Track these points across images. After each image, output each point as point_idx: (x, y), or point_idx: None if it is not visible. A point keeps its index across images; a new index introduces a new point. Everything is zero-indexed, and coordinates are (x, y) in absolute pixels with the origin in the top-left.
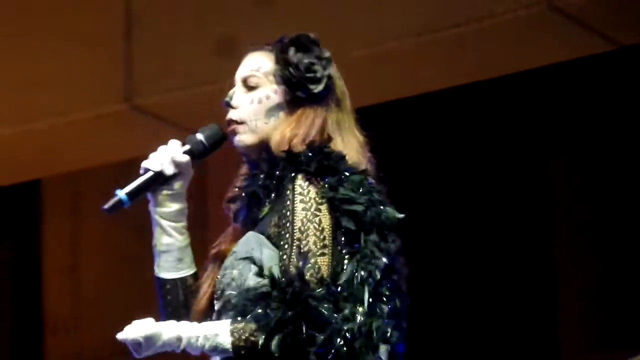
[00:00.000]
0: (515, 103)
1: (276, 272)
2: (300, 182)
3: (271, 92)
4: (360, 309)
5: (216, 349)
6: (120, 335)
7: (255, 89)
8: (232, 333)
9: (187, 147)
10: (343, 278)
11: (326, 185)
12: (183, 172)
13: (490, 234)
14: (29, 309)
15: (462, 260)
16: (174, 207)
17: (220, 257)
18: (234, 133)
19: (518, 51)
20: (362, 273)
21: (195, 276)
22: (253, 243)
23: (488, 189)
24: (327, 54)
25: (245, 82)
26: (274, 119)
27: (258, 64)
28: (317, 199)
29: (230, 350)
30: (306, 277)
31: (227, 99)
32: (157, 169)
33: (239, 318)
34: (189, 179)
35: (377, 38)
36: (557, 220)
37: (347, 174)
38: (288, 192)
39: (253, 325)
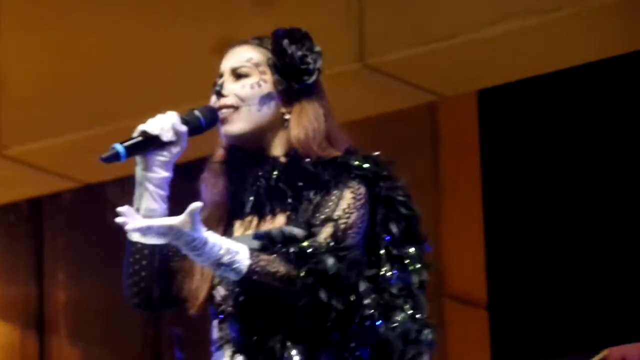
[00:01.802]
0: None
1: (299, 232)
2: (353, 183)
3: (262, 81)
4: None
5: (231, 266)
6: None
7: (246, 77)
8: (251, 256)
9: (185, 119)
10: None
11: (382, 188)
12: (179, 142)
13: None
14: None
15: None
16: (163, 174)
17: None
18: (225, 121)
19: None
20: (413, 278)
21: (170, 247)
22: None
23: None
24: (317, 48)
25: (235, 71)
26: (266, 107)
27: (247, 55)
28: (367, 196)
29: (244, 272)
30: (333, 245)
31: (217, 88)
32: (157, 132)
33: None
34: (182, 151)
35: None
36: None
37: (399, 181)
38: (337, 190)
39: (274, 257)
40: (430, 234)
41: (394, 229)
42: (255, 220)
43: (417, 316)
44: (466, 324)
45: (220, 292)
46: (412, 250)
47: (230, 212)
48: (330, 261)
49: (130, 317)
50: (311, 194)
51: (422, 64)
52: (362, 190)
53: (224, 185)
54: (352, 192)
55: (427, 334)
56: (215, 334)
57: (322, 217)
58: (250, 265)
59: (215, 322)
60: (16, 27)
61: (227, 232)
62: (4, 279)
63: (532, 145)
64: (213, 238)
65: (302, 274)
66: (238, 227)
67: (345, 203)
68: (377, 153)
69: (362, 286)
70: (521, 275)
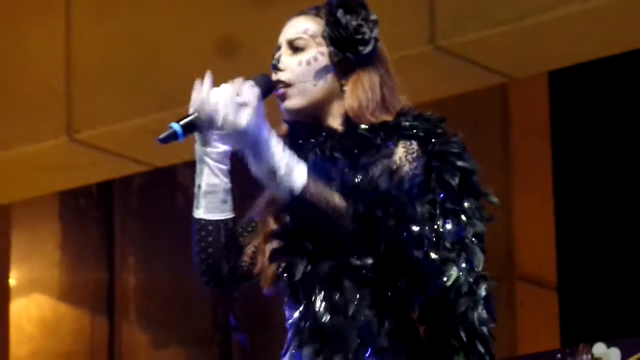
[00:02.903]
0: None
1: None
2: (404, 141)
3: (319, 54)
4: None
5: (286, 177)
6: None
7: (302, 51)
8: (309, 178)
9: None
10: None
11: (434, 144)
12: None
13: None
14: None
15: None
16: (222, 148)
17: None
18: (283, 97)
19: None
20: (469, 230)
21: (234, 221)
22: None
23: None
24: (373, 17)
25: (291, 44)
26: (322, 81)
27: (304, 27)
28: (419, 151)
29: (297, 190)
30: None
31: (274, 61)
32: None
33: None
34: None
35: None
36: None
37: (452, 137)
38: (388, 150)
39: (332, 191)
40: (501, 215)
41: (450, 181)
42: None
43: (472, 268)
44: (536, 305)
45: None
46: (467, 204)
47: None
48: (384, 182)
49: (200, 301)
50: (365, 159)
51: (492, 45)
52: (414, 145)
53: None
54: (404, 147)
55: (482, 286)
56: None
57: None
58: (305, 185)
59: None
60: (86, 15)
61: None
62: (74, 264)
63: (603, 127)
64: (278, 142)
65: (356, 198)
66: None
67: (397, 157)
68: (429, 113)
69: (418, 209)
70: (591, 257)
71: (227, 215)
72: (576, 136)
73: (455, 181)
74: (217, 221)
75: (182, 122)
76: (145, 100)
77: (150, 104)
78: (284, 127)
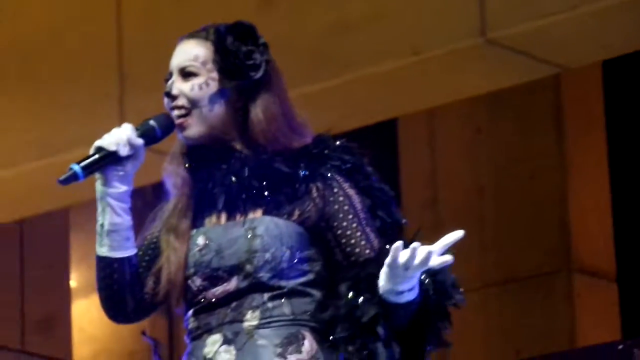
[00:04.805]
0: None
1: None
2: (338, 176)
3: (210, 79)
4: None
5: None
6: None
7: (194, 76)
8: None
9: (141, 131)
10: None
11: (359, 180)
12: (136, 155)
13: None
14: None
15: None
16: (123, 188)
17: (178, 232)
18: (182, 127)
19: None
20: None
21: (136, 256)
22: (282, 227)
23: None
24: (262, 40)
25: (182, 71)
26: (217, 105)
27: (194, 53)
28: (354, 188)
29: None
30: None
31: (167, 89)
32: (113, 148)
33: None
34: (140, 163)
35: None
36: None
37: (369, 168)
38: (333, 188)
39: None
40: (557, 208)
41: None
42: (224, 215)
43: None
44: (595, 297)
45: (197, 282)
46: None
47: (196, 203)
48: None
49: None
50: (288, 192)
51: (544, 36)
52: (347, 180)
53: (188, 177)
54: (350, 187)
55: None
56: (192, 323)
57: (356, 232)
58: None
59: (190, 313)
60: (136, 21)
61: (194, 222)
62: None
63: None
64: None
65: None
66: (208, 220)
67: (360, 210)
68: (343, 140)
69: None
70: None
71: (130, 252)
72: (632, 125)
73: (386, 218)
74: (121, 259)
75: (82, 163)
76: None
77: None
78: (182, 144)
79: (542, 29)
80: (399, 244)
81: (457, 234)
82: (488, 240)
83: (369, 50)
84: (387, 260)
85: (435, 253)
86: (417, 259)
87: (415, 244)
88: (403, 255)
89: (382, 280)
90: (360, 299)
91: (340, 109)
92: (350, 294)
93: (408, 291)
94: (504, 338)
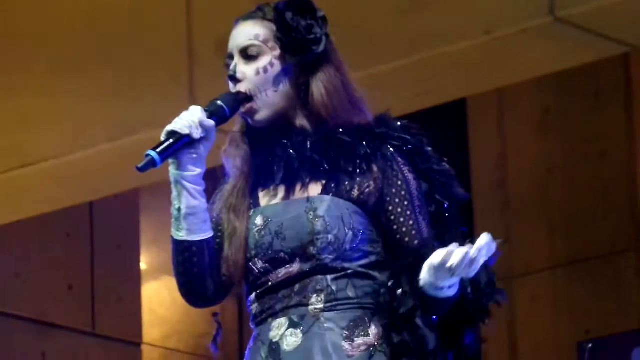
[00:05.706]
0: None
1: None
2: (399, 157)
3: (274, 59)
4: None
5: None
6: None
7: (256, 58)
8: None
9: (211, 111)
10: None
11: (417, 162)
12: (208, 137)
13: None
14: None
15: None
16: (197, 170)
17: (238, 212)
18: (251, 113)
19: None
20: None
21: (213, 239)
22: (343, 208)
23: None
24: (321, 13)
25: (244, 52)
26: (282, 85)
27: (254, 32)
28: (413, 172)
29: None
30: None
31: (230, 72)
32: (186, 132)
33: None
34: (212, 144)
35: None
36: None
37: (429, 149)
38: (393, 169)
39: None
40: (626, 187)
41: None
42: (282, 190)
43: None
44: None
45: (258, 264)
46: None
47: (255, 182)
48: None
49: None
50: (349, 167)
51: (613, 15)
52: (408, 163)
53: (248, 156)
54: (409, 171)
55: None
56: (255, 308)
57: (409, 218)
58: None
59: (252, 297)
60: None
61: (252, 202)
62: None
63: None
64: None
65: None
66: (263, 197)
67: (415, 196)
68: (406, 121)
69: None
70: None
71: (208, 234)
72: None
73: (445, 200)
74: (200, 242)
75: (158, 149)
76: None
77: None
78: (242, 123)
79: (611, 7)
80: (451, 248)
81: (485, 237)
82: (557, 220)
83: (441, 30)
84: (435, 262)
85: (481, 260)
86: (464, 268)
87: (464, 252)
88: (452, 260)
89: (425, 273)
90: (399, 291)
91: (411, 89)
92: (390, 283)
93: (448, 288)
94: (574, 318)
